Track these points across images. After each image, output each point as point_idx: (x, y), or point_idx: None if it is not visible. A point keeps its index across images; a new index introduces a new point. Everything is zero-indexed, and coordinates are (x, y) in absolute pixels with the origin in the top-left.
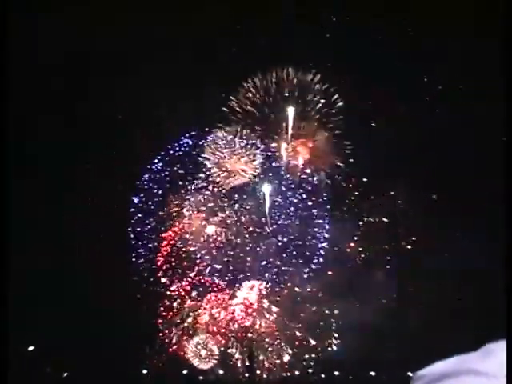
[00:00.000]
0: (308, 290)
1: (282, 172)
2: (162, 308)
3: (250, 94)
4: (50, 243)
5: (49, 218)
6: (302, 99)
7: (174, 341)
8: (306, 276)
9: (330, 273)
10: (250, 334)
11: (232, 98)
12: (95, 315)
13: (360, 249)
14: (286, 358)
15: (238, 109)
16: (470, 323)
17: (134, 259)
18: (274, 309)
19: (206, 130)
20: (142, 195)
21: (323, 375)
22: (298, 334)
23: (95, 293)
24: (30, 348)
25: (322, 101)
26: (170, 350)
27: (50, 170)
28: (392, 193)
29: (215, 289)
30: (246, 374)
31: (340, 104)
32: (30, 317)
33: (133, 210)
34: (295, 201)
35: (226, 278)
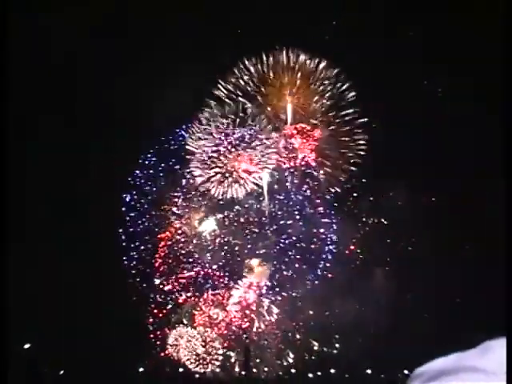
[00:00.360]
0: (307, 290)
1: (286, 171)
2: (158, 308)
3: (243, 82)
4: (48, 245)
5: (47, 219)
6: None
7: (170, 340)
8: (306, 277)
9: (329, 274)
10: (248, 332)
11: (224, 84)
12: (92, 315)
13: (359, 250)
14: (283, 356)
15: (228, 99)
16: (469, 322)
17: (130, 261)
18: (275, 310)
19: (203, 121)
20: (134, 193)
21: (319, 373)
22: (294, 332)
23: (91, 293)
24: (27, 346)
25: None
26: (167, 348)
27: (48, 172)
28: (391, 194)
29: (214, 287)
30: (243, 372)
31: (349, 97)
32: (28, 316)
33: (125, 209)
34: (299, 202)
35: (225, 278)
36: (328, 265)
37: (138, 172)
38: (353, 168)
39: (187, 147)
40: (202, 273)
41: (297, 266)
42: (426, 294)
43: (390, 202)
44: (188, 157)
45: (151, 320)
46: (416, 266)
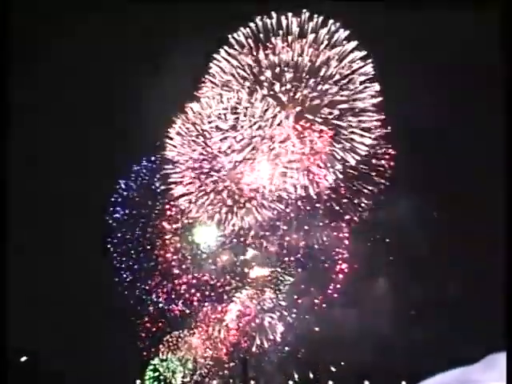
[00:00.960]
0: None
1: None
2: (153, 323)
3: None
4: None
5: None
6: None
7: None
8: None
9: (327, 284)
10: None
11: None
12: (90, 327)
13: (361, 263)
14: (281, 366)
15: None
16: (469, 335)
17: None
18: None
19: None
20: (126, 205)
21: None
22: (292, 342)
23: (92, 309)
24: (23, 358)
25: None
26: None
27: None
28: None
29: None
30: None
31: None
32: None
33: (116, 224)
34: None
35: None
36: (338, 286)
37: (131, 184)
38: (372, 189)
39: (166, 154)
40: (197, 290)
41: (303, 286)
42: (427, 306)
43: (391, 214)
44: (166, 169)
45: (147, 335)
46: (417, 277)
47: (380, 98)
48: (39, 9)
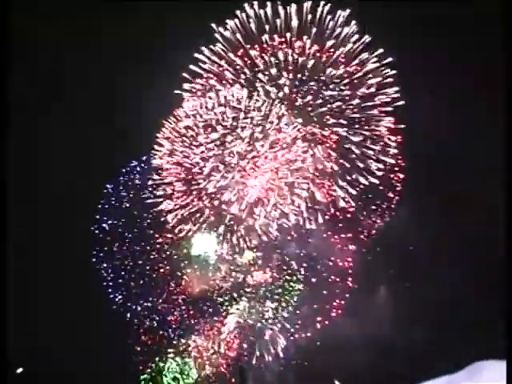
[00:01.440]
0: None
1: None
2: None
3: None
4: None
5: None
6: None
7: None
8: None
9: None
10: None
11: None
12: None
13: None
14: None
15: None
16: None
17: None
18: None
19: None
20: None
21: None
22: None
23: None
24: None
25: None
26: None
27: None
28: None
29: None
30: None
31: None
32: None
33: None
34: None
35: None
36: (343, 302)
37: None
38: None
39: (154, 162)
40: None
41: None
42: (426, 313)
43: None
44: (154, 179)
45: (142, 350)
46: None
47: (401, 102)
48: (39, 9)
